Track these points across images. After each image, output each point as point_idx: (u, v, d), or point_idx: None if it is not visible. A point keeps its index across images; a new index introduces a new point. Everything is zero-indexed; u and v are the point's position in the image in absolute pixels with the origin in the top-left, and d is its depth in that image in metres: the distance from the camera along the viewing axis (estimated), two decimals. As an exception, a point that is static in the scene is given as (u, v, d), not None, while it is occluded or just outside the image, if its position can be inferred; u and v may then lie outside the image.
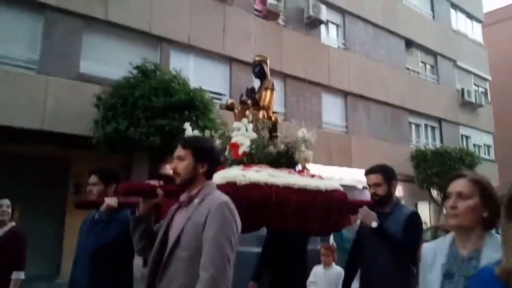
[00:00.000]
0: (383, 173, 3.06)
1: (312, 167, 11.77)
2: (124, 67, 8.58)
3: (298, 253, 3.89)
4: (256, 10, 12.54)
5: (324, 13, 13.61)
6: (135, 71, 8.28)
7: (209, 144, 2.29)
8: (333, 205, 3.32)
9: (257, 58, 4.43)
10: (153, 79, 7.94)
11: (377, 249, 2.91)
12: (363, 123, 14.85)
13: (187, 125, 3.89)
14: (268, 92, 4.14)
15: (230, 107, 4.24)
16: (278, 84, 12.49)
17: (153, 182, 2.26)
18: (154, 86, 7.64)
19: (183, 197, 2.16)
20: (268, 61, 4.38)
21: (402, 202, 3.24)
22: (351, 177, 12.87)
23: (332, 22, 14.63)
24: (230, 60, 11.62)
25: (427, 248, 1.93)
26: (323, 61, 13.77)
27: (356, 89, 14.66)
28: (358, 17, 15.31)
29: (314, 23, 13.58)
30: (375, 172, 3.09)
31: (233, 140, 3.59)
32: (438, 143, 17.52)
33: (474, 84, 20.23)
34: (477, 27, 21.46)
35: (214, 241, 1.90)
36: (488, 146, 20.45)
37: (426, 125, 17.63)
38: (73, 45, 9.03)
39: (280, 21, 13.02)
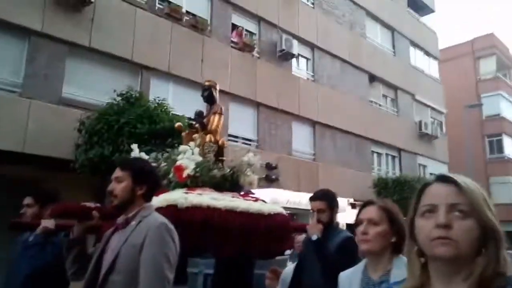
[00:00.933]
0: (327, 200, 3.08)
1: (281, 193, 12.19)
2: (105, 93, 8.90)
3: (244, 277, 3.91)
4: (233, 42, 13.17)
5: (296, 47, 14.44)
6: (118, 98, 8.58)
7: (148, 166, 2.28)
8: (276, 229, 3.36)
9: (207, 83, 4.44)
10: (137, 106, 8.28)
11: (314, 265, 2.92)
12: (330, 151, 15.62)
13: (134, 146, 3.89)
14: (216, 117, 4.15)
15: (178, 130, 4.32)
16: (251, 113, 13.22)
17: (89, 204, 2.24)
18: (140, 113, 7.97)
19: (120, 219, 2.11)
20: (217, 86, 4.44)
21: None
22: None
23: (302, 56, 15.48)
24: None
25: (343, 276, 1.98)
26: (293, 91, 14.52)
27: (323, 119, 15.46)
28: (327, 51, 16.26)
29: (286, 56, 14.36)
30: (319, 199, 3.09)
31: (178, 163, 3.60)
32: (397, 171, 18.60)
33: (431, 117, 21.66)
34: (434, 63, 23.09)
35: (152, 263, 1.86)
36: (443, 175, 21.74)
37: (387, 154, 18.68)
38: (56, 69, 9.25)
39: (255, 53, 13.70)
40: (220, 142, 4.08)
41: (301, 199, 12.96)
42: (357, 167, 16.36)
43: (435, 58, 23.13)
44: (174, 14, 11.47)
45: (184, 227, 2.55)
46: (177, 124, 4.45)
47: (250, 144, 12.95)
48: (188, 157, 3.61)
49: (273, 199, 11.71)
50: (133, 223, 2.02)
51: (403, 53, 20.62)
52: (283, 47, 14.05)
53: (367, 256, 1.89)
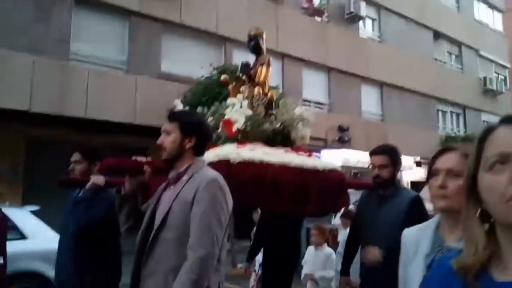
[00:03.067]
0: (390, 155, 2.90)
1: (352, 153, 12.78)
2: (196, 66, 9.68)
3: (291, 235, 3.80)
4: (303, 8, 13.49)
5: (364, 9, 14.55)
6: (214, 71, 9.30)
7: (197, 118, 2.20)
8: (331, 186, 3.17)
9: (252, 32, 4.04)
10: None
11: (379, 234, 2.76)
12: (397, 111, 15.90)
13: (177, 102, 4.02)
14: (264, 68, 3.85)
15: (224, 83, 4.08)
16: (322, 77, 13.66)
17: (140, 158, 2.13)
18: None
19: (171, 174, 2.04)
20: (264, 35, 4.04)
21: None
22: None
23: (369, 17, 15.55)
24: (282, 56, 12.63)
25: (408, 235, 1.68)
26: (361, 53, 14.76)
27: (390, 80, 15.67)
28: (392, 11, 16.22)
29: (353, 19, 14.53)
30: (382, 153, 2.91)
31: (226, 117, 3.44)
32: (462, 129, 18.63)
33: (495, 72, 21.16)
34: (498, 16, 22.27)
35: (202, 220, 1.81)
36: (507, 131, 21.48)
37: (451, 112, 18.69)
38: (154, 46, 10.08)
39: (324, 17, 13.98)
40: (269, 95, 3.77)
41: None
42: (423, 126, 16.56)
43: (499, 10, 22.28)
44: (250, -15, 11.91)
45: (236, 182, 2.44)
46: (222, 77, 4.12)
47: (322, 108, 13.51)
48: (236, 111, 3.43)
49: (345, 160, 12.39)
50: (184, 178, 1.96)
51: (467, 7, 20.05)
52: (351, 9, 14.20)
53: (443, 215, 1.55)
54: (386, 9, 15.98)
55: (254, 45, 3.99)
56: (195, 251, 1.77)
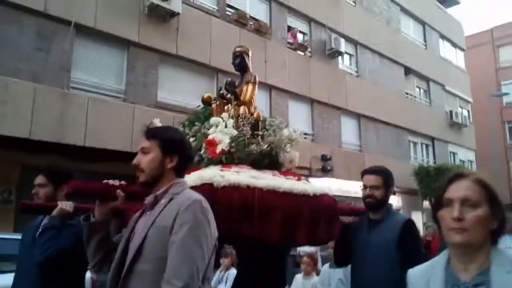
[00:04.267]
0: (383, 176, 2.83)
1: (334, 182, 13.34)
2: (191, 96, 9.97)
3: (277, 266, 3.41)
4: (289, 43, 14.14)
5: (343, 45, 15.38)
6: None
7: (178, 134, 1.99)
8: (322, 212, 2.97)
9: (238, 49, 3.86)
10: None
11: (370, 259, 2.71)
12: (373, 142, 16.67)
13: (156, 120, 3.45)
14: (250, 86, 3.68)
15: (206, 101, 3.78)
16: (306, 108, 14.22)
17: (112, 182, 1.91)
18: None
19: (149, 199, 1.83)
20: (250, 53, 3.87)
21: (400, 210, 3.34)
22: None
23: (347, 53, 16.41)
24: (270, 88, 13.12)
25: (414, 275, 1.53)
26: (341, 87, 15.51)
27: (367, 112, 16.47)
28: (368, 47, 17.19)
29: (334, 54, 15.33)
30: (376, 173, 2.84)
31: (210, 137, 3.18)
32: (431, 159, 19.65)
33: (459, 106, 22.59)
34: (460, 54, 23.95)
35: (181, 247, 1.58)
36: (471, 161, 22.81)
37: (422, 143, 19.71)
38: (151, 76, 10.30)
39: (307, 52, 14.67)
40: (255, 115, 3.54)
41: (351, 188, 14.11)
42: (397, 156, 17.37)
43: (461, 49, 23.97)
44: (241, 20, 12.46)
45: (221, 208, 2.31)
46: (206, 95, 3.81)
47: (306, 138, 14.01)
48: (221, 130, 3.18)
49: (327, 188, 12.87)
50: (163, 201, 1.75)
51: (433, 46, 21.49)
52: (332, 45, 15.00)
53: (458, 251, 1.37)
54: (363, 45, 16.94)
55: (239, 62, 3.81)
56: (171, 285, 1.53)
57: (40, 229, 2.49)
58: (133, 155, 6.66)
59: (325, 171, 13.83)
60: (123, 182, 1.95)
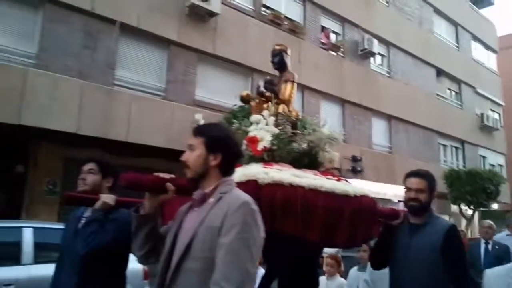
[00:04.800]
0: (428, 180, 2.80)
1: (363, 183, 13.39)
2: (225, 94, 10.16)
3: (309, 266, 3.33)
4: (322, 43, 14.21)
5: (376, 46, 15.35)
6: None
7: (224, 132, 1.94)
8: (362, 213, 2.93)
9: (277, 47, 3.89)
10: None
11: (412, 266, 2.68)
12: (404, 144, 16.59)
13: (199, 116, 3.64)
14: (289, 85, 3.67)
15: (245, 99, 3.78)
16: (338, 109, 14.26)
17: (163, 175, 1.89)
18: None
19: (197, 194, 1.84)
20: (289, 51, 3.90)
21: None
22: (392, 192, 14.57)
23: (379, 54, 16.37)
24: (303, 88, 13.22)
25: (493, 277, 1.58)
26: (373, 88, 15.49)
27: (398, 113, 16.41)
28: (400, 48, 17.10)
29: (366, 55, 15.32)
30: (421, 177, 2.81)
31: (251, 134, 3.17)
32: (461, 163, 19.42)
33: (490, 109, 22.23)
34: (493, 56, 23.54)
35: (231, 250, 1.58)
36: (501, 166, 22.42)
37: (451, 146, 19.50)
38: (190, 75, 10.54)
39: (340, 53, 14.71)
40: (293, 114, 3.57)
41: (380, 189, 14.11)
42: (426, 159, 17.24)
43: (494, 51, 23.56)
44: (276, 20, 12.59)
45: (265, 206, 2.33)
46: (244, 93, 3.85)
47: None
48: (261, 128, 3.15)
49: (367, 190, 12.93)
50: (211, 200, 1.74)
51: (466, 47, 21.19)
52: (365, 45, 14.99)
53: None
54: (395, 46, 16.86)
55: (279, 60, 3.82)
56: (220, 287, 1.51)
57: (82, 221, 2.53)
58: (172, 151, 6.83)
59: (355, 172, 13.86)
60: (172, 176, 1.91)
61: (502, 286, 1.41)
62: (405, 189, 2.80)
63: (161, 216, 1.98)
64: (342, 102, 14.52)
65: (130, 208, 2.27)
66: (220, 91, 10.98)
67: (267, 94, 3.57)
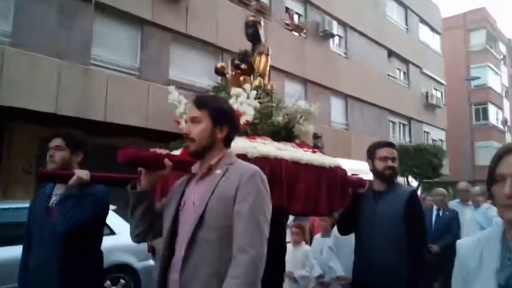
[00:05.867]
0: (396, 150, 3.07)
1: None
2: (197, 74, 10.47)
3: (280, 234, 3.31)
4: (287, 24, 14.67)
5: (335, 27, 16.05)
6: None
7: (228, 105, 1.97)
8: (336, 183, 3.02)
9: (251, 18, 3.78)
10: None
11: (377, 230, 2.84)
12: (359, 122, 17.66)
13: (171, 88, 3.57)
14: (263, 57, 3.62)
15: (220, 71, 3.73)
16: (300, 88, 14.91)
17: (160, 151, 1.89)
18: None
19: (197, 167, 1.85)
20: (262, 23, 3.80)
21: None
22: (348, 167, 15.61)
23: (338, 35, 17.11)
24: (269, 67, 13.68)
25: (466, 246, 1.44)
26: (332, 68, 16.27)
27: (353, 92, 17.37)
28: (356, 30, 17.93)
29: (326, 36, 15.99)
30: (393, 147, 3.04)
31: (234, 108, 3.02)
32: (407, 138, 20.96)
33: (434, 88, 23.91)
34: (437, 38, 25.12)
35: (250, 218, 1.63)
36: (442, 141, 24.37)
37: (400, 123, 20.94)
38: (163, 55, 10.68)
39: (303, 34, 15.27)
40: (269, 87, 3.54)
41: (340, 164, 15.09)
42: (377, 135, 18.44)
43: (438, 32, 25.14)
44: (244, 0, 12.85)
45: None
46: (219, 65, 3.77)
47: (299, 116, 14.78)
48: (243, 102, 3.10)
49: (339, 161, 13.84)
50: (218, 171, 1.75)
51: (414, 29, 22.50)
52: (326, 27, 15.64)
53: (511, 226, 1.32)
54: (352, 28, 17.67)
55: (253, 32, 3.69)
56: (246, 253, 1.57)
57: (53, 199, 2.46)
58: (148, 131, 7.07)
59: (317, 148, 14.64)
60: (168, 151, 1.93)
61: (475, 256, 1.35)
62: (380, 159, 2.95)
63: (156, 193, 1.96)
64: (304, 81, 15.19)
65: (104, 183, 2.41)
66: (192, 70, 11.23)
67: (243, 66, 3.52)
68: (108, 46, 9.85)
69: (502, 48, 35.91)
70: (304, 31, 15.37)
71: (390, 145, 3.03)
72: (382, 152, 2.96)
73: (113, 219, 5.64)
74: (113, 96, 9.38)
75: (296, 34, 15.14)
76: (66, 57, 8.81)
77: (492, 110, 31.58)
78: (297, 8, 15.42)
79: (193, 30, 11.30)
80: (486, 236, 1.40)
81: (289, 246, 4.50)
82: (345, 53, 17.61)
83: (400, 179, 18.90)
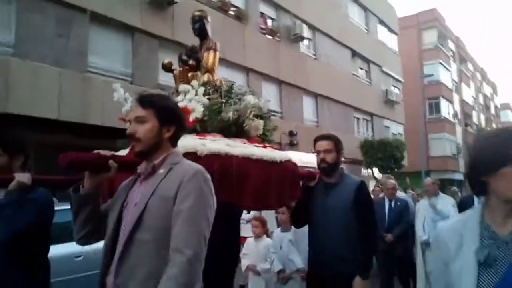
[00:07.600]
0: (335, 141, 3.04)
1: (297, 155, 15.51)
2: None
3: (234, 230, 3.34)
4: (261, 28, 15.50)
5: (305, 30, 17.06)
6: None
7: (174, 103, 1.91)
8: (287, 177, 3.09)
9: (197, 13, 3.77)
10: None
11: (329, 221, 2.91)
12: (327, 118, 18.82)
13: (116, 86, 3.44)
14: (211, 53, 3.60)
15: (167, 67, 3.69)
16: (275, 88, 15.83)
17: (104, 152, 1.82)
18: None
19: (142, 167, 1.79)
20: (209, 18, 3.78)
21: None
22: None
23: (307, 38, 18.13)
24: (247, 70, 14.49)
25: (446, 229, 1.46)
26: (303, 69, 17.30)
27: (322, 91, 18.50)
28: (323, 32, 19.04)
29: (297, 39, 16.97)
30: (327, 139, 3.05)
31: (181, 105, 3.02)
32: (370, 133, 22.42)
33: (393, 85, 25.56)
34: (394, 38, 26.78)
35: (188, 217, 1.58)
36: (401, 134, 26.10)
37: (363, 119, 22.36)
38: (152, 61, 11.22)
39: (276, 37, 16.15)
40: (218, 83, 3.47)
41: (313, 159, 16.14)
42: (345, 131, 19.72)
43: (395, 33, 26.80)
44: (223, 7, 13.55)
45: None
46: (166, 61, 3.75)
47: (275, 116, 15.68)
48: (192, 99, 3.07)
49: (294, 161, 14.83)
50: (162, 171, 1.72)
51: (373, 30, 23.95)
52: (296, 30, 16.61)
53: (506, 206, 1.32)
54: (319, 30, 18.76)
55: (199, 27, 3.70)
56: (182, 254, 1.53)
57: None
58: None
59: (292, 145, 15.68)
60: (113, 153, 1.89)
61: (455, 237, 1.39)
62: (315, 153, 3.06)
63: (101, 194, 1.91)
64: (279, 82, 16.11)
65: (48, 187, 2.36)
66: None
67: (191, 62, 3.54)
68: (103, 53, 10.30)
69: (451, 45, 38.44)
70: (278, 34, 16.25)
71: (321, 138, 3.09)
72: (316, 146, 3.09)
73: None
74: (109, 102, 9.84)
75: (271, 37, 16.00)
76: (65, 66, 9.22)
77: (444, 104, 33.86)
78: (270, 12, 16.27)
79: (179, 36, 11.88)
80: (464, 219, 1.43)
81: (251, 240, 4.73)
82: (314, 55, 18.68)
83: (364, 171, 20.32)
